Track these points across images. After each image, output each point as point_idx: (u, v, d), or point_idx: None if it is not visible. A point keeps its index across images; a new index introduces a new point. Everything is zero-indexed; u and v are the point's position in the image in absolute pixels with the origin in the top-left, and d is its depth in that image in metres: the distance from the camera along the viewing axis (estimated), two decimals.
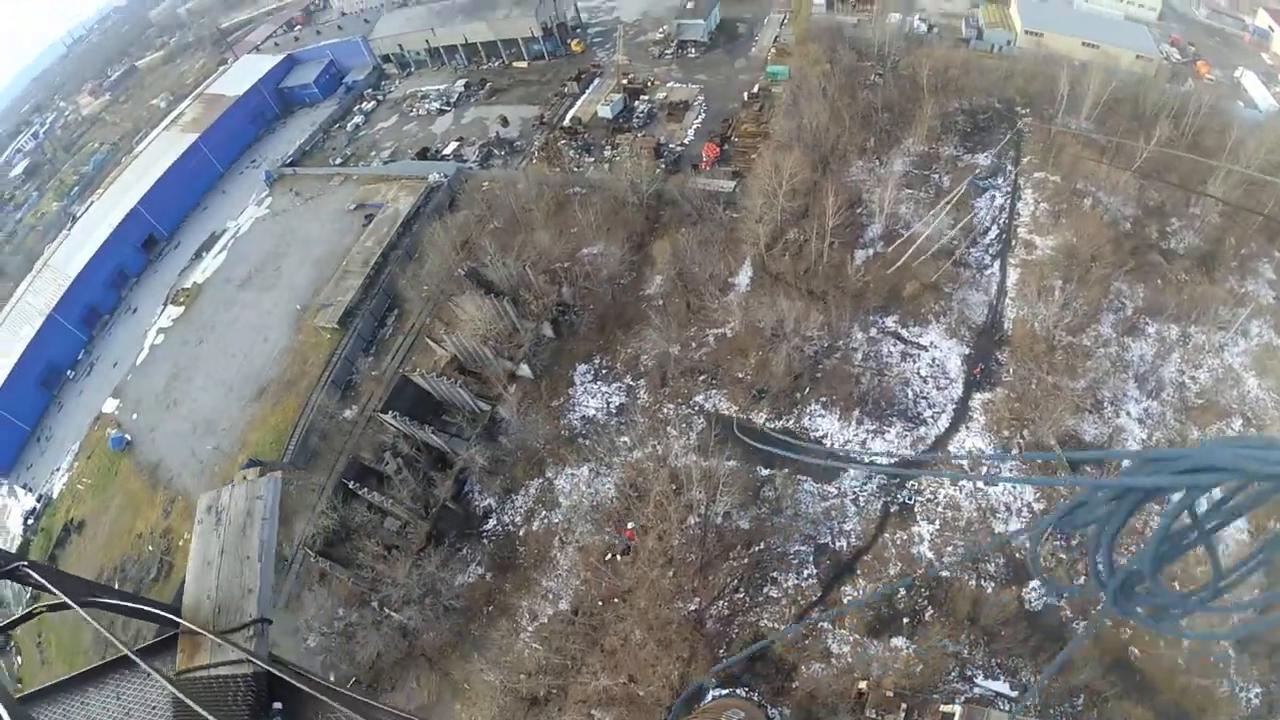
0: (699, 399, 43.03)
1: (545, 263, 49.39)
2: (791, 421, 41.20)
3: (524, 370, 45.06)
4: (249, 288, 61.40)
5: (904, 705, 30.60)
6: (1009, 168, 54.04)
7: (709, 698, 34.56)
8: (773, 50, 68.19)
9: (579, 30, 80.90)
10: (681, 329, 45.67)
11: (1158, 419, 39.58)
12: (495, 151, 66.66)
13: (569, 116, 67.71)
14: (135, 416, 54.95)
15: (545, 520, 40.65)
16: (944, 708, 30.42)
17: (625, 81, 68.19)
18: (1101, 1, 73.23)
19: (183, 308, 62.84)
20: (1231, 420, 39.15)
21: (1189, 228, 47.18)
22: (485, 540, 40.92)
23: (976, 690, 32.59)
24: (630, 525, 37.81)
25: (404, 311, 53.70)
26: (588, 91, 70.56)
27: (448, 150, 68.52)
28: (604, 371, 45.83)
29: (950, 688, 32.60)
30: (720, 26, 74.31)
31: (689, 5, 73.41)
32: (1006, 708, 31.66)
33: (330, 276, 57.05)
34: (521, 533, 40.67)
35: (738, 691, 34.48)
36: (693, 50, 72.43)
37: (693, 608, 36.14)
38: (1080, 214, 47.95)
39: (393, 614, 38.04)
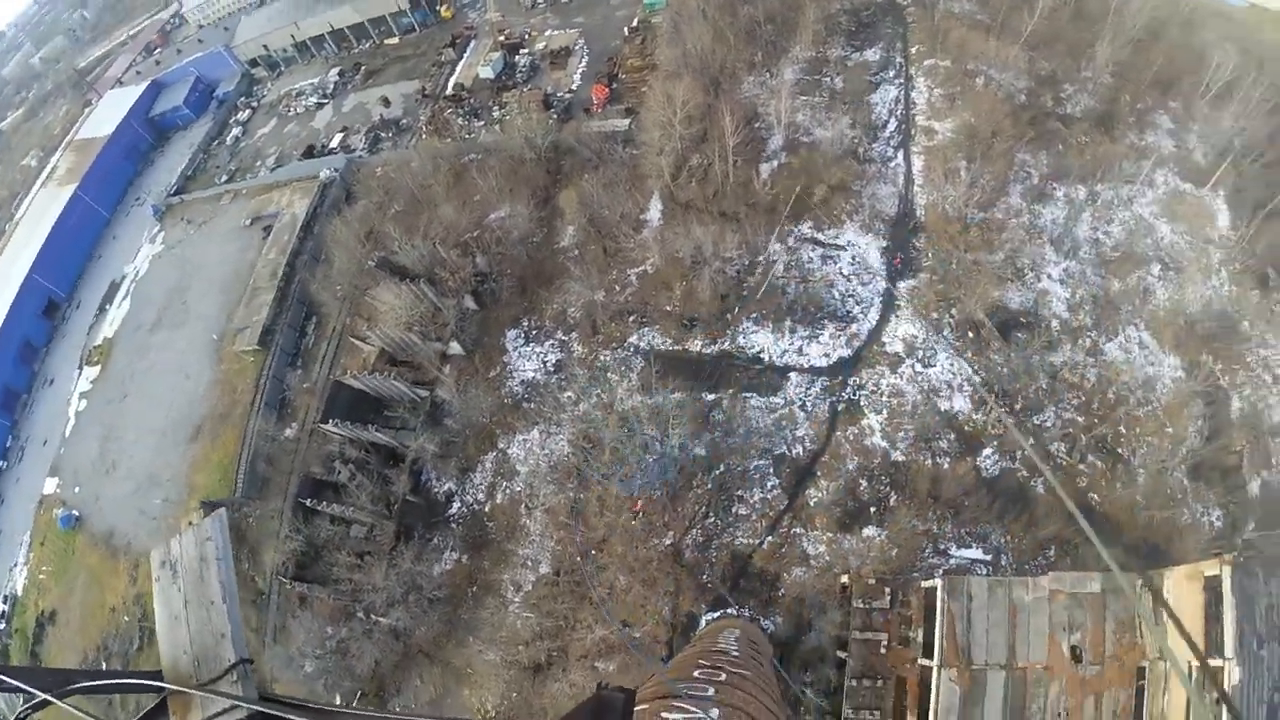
0: (633, 339, 42.94)
1: (454, 236, 48.27)
2: (727, 343, 41.38)
3: (455, 348, 44.27)
4: (160, 329, 58.74)
5: (887, 589, 31.54)
6: (899, 60, 53.80)
7: (702, 623, 35.25)
8: None
9: None
10: (602, 274, 45.27)
11: (1079, 277, 40.76)
12: (382, 135, 64.40)
13: (451, 84, 65.51)
14: (78, 490, 52.66)
15: (507, 491, 40.54)
16: (925, 583, 31.58)
17: (502, 38, 66.00)
18: None
19: (99, 366, 59.90)
20: (1150, 266, 40.46)
21: (1083, 91, 47.89)
22: (453, 524, 40.69)
23: (953, 561, 33.82)
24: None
25: (322, 317, 52.06)
26: (465, 55, 68.15)
27: (334, 143, 65.92)
28: (534, 332, 45.36)
29: (928, 564, 33.71)
30: None
31: None
32: (984, 572, 33.04)
33: (240, 298, 54.83)
34: (487, 508, 40.52)
35: (728, 611, 35.22)
36: None
37: (668, 542, 36.63)
38: (975, 93, 48.21)
39: (380, 619, 37.80)
